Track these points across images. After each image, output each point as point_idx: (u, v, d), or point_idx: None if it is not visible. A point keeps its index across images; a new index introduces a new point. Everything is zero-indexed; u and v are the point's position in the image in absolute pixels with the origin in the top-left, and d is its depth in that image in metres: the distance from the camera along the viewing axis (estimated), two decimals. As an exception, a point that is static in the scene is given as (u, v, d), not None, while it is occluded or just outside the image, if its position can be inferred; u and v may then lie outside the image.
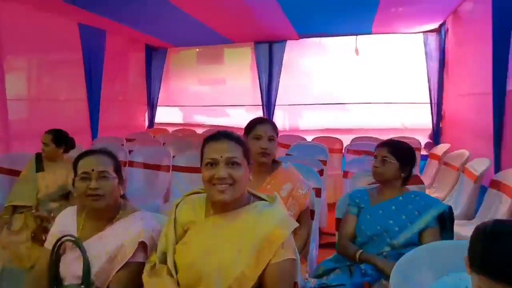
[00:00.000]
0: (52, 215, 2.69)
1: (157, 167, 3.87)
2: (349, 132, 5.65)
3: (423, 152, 5.06)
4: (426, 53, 5.47)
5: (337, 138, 5.39)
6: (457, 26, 4.91)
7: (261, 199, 1.34)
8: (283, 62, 6.02)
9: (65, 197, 2.88)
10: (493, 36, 3.41)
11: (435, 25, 5.34)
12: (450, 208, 1.72)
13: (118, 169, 1.50)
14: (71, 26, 4.92)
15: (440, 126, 5.46)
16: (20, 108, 4.35)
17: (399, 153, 1.84)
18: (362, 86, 5.87)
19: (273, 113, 6.10)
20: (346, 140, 5.28)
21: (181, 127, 6.68)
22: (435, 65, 5.39)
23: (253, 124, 2.00)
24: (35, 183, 2.84)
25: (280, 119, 6.31)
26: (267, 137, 1.91)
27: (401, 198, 1.82)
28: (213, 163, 1.26)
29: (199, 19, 4.81)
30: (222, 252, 1.22)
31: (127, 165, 3.93)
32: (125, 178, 1.54)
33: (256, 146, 1.90)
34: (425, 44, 5.47)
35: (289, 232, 1.22)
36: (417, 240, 1.71)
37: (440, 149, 4.65)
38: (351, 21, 5.16)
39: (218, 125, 6.43)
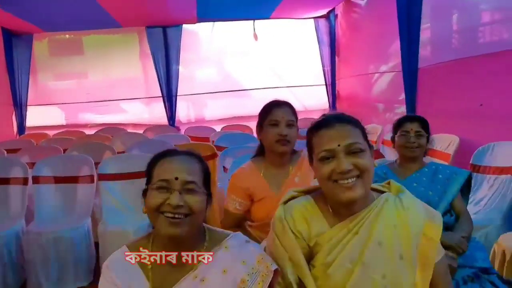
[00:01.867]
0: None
1: (74, 180, 3.15)
2: (256, 118, 5.65)
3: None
4: (318, 38, 5.82)
5: (247, 126, 5.35)
6: (348, 12, 5.34)
7: (377, 190, 1.15)
8: (181, 49, 5.59)
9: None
10: (399, 21, 3.78)
11: (324, 11, 5.70)
12: (470, 173, 1.83)
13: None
14: None
15: (336, 105, 5.93)
16: None
17: (426, 126, 1.86)
18: (263, 71, 5.92)
19: (175, 104, 5.65)
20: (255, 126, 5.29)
21: (64, 129, 5.62)
22: (327, 49, 5.79)
23: (268, 108, 1.76)
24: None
25: (184, 110, 5.91)
26: (286, 122, 1.70)
27: (426, 169, 1.85)
28: (330, 156, 1.03)
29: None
30: (381, 263, 1.01)
31: (29, 182, 3.09)
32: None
33: (274, 133, 1.68)
34: (316, 30, 5.81)
35: (441, 222, 1.07)
36: (451, 208, 1.77)
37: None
38: (252, 5, 5.10)
39: (112, 123, 5.65)
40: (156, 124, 5.69)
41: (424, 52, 3.82)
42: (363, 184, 1.02)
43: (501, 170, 2.63)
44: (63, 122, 5.91)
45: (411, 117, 1.91)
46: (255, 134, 4.97)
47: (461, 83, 3.39)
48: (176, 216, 0.96)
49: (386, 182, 1.17)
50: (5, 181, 3.08)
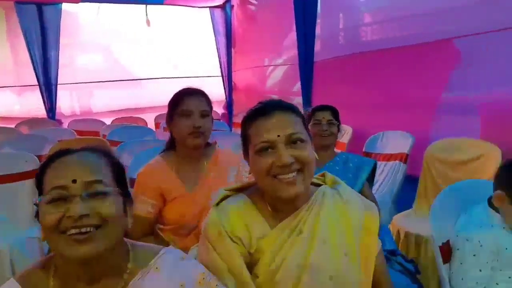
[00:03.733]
0: None
1: None
2: (152, 110, 5.33)
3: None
4: (213, 28, 5.69)
5: (141, 118, 5.00)
6: (244, 3, 5.33)
7: (313, 183, 1.07)
8: (61, 31, 4.90)
9: None
10: (296, 15, 3.88)
11: (219, 1, 5.59)
12: (375, 162, 1.93)
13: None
14: None
15: (232, 97, 5.91)
16: None
17: (337, 115, 1.90)
18: (157, 60, 5.57)
19: (56, 94, 4.94)
20: (149, 118, 5.00)
21: None
22: (223, 39, 5.70)
23: (180, 97, 1.58)
24: None
25: (66, 101, 5.22)
26: (199, 112, 1.54)
27: (338, 158, 1.89)
28: (269, 148, 0.93)
29: None
30: (327, 263, 0.93)
31: None
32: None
33: (186, 124, 1.52)
34: (212, 19, 5.68)
35: (377, 213, 1.04)
36: None
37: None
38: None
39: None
40: (32, 117, 4.92)
41: (318, 46, 4.00)
42: (304, 179, 0.94)
43: (390, 157, 2.88)
44: None
45: (323, 106, 1.94)
46: (151, 127, 4.72)
47: (352, 77, 3.64)
48: (83, 230, 0.73)
49: (320, 174, 1.12)
50: None
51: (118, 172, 0.84)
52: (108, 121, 4.81)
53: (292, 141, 0.93)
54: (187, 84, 5.47)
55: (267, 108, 0.97)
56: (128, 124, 4.27)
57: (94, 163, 0.80)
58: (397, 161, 2.79)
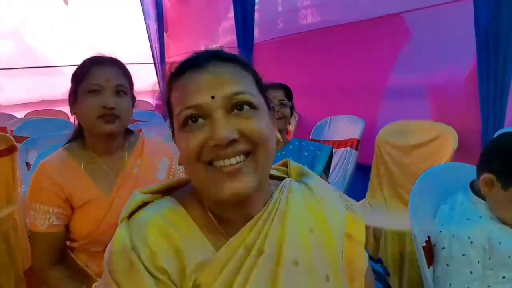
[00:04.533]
0: None
1: None
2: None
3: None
4: (143, 11, 5.17)
5: (60, 111, 4.39)
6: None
7: (272, 176, 0.76)
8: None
9: None
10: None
11: (147, -19, 5.08)
12: (332, 149, 1.69)
13: None
14: None
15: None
16: None
17: (290, 95, 1.62)
18: (78, 45, 4.91)
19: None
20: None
21: None
22: (154, 23, 5.20)
23: (85, 68, 1.17)
24: None
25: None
26: (113, 88, 1.15)
27: (291, 146, 1.61)
28: (199, 117, 0.60)
29: None
30: None
31: None
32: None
33: (94, 105, 1.13)
34: (141, 1, 5.14)
35: (360, 212, 0.74)
36: None
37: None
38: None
39: None
40: None
41: (256, 29, 3.73)
42: (257, 167, 0.60)
43: (339, 144, 2.69)
44: None
45: (273, 84, 1.63)
46: (72, 119, 4.16)
47: (293, 60, 3.41)
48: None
49: (281, 162, 0.81)
50: None
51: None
52: (21, 115, 4.14)
53: (235, 106, 0.60)
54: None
55: (199, 59, 0.63)
56: (41, 118, 3.68)
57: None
58: (347, 148, 2.61)
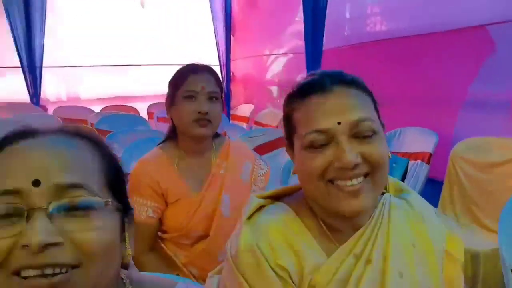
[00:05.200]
0: None
1: None
2: (143, 99, 5.01)
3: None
4: (212, 14, 5.36)
5: (132, 107, 4.69)
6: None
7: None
8: (47, 11, 4.51)
9: None
10: (304, 2, 3.59)
11: (218, -15, 5.26)
12: (408, 162, 1.66)
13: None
14: None
15: (230, 88, 5.60)
16: None
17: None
18: (151, 46, 5.22)
19: (41, 77, 4.56)
20: (142, 109, 4.69)
21: None
22: (221, 26, 5.38)
23: (182, 75, 1.28)
24: None
25: (52, 86, 4.84)
26: (207, 94, 1.25)
27: None
28: (324, 141, 0.65)
29: None
30: None
31: None
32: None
33: (189, 109, 1.23)
34: (211, 5, 5.34)
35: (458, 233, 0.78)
36: None
37: (244, 110, 4.78)
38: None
39: None
40: (13, 101, 4.55)
41: (326, 35, 3.72)
42: (374, 188, 0.66)
43: (409, 156, 2.62)
44: None
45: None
46: (144, 116, 4.40)
47: (364, 68, 3.36)
48: (47, 272, 0.45)
49: None
50: None
51: (112, 173, 0.54)
52: (97, 109, 4.48)
53: (359, 133, 0.65)
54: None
55: (322, 81, 0.68)
56: (119, 113, 3.95)
57: (72, 154, 0.50)
58: (418, 161, 2.53)
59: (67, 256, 0.45)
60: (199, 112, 1.23)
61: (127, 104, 4.74)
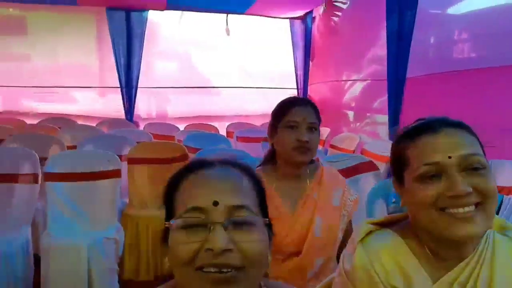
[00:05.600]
0: None
1: (12, 178, 2.55)
2: (223, 119, 5.30)
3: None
4: (292, 40, 5.56)
5: (212, 125, 4.96)
6: (328, 15, 5.13)
7: None
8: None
9: None
10: (388, 28, 3.60)
11: (300, 13, 5.45)
12: (502, 197, 1.60)
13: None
14: None
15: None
16: None
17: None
18: (232, 69, 5.54)
19: (135, 97, 5.07)
20: (221, 127, 4.94)
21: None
22: (301, 52, 5.55)
23: (286, 106, 1.42)
24: None
25: (144, 104, 5.35)
26: (307, 124, 1.37)
27: None
28: (436, 173, 0.73)
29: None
30: None
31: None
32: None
33: (291, 138, 1.35)
34: (291, 31, 5.55)
35: None
36: None
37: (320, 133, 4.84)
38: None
39: (60, 113, 4.95)
40: (111, 117, 5.08)
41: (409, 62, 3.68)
42: (485, 216, 0.71)
43: (500, 190, 2.48)
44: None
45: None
46: (223, 133, 4.63)
47: (450, 97, 3.27)
48: (224, 270, 0.58)
49: None
50: None
51: (262, 195, 0.69)
52: (181, 126, 4.82)
53: (469, 166, 0.72)
54: (261, 94, 5.36)
55: (431, 123, 0.78)
56: (203, 131, 4.23)
57: (238, 183, 0.65)
58: (511, 196, 2.38)
59: (236, 259, 0.59)
60: (300, 141, 1.35)
61: (207, 123, 5.02)
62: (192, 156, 3.20)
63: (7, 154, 2.68)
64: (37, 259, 2.36)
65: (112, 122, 4.75)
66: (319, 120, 1.45)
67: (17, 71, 5.23)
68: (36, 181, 2.55)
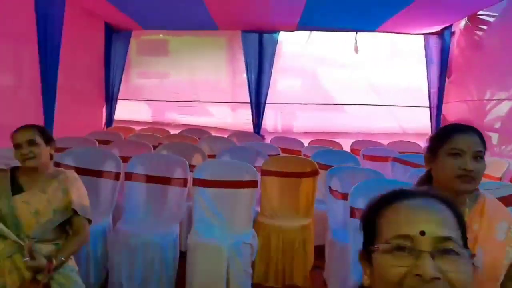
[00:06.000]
0: (54, 263, 1.70)
1: (166, 181, 2.93)
2: (347, 136, 5.23)
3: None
4: (426, 56, 5.25)
5: (336, 142, 4.93)
6: (471, 29, 4.73)
7: None
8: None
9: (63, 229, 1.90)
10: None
11: (437, 28, 5.13)
12: None
13: None
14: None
15: (439, 131, 5.28)
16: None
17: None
18: (359, 86, 5.47)
19: (263, 112, 5.37)
20: (344, 144, 4.86)
21: (149, 126, 5.59)
22: (435, 68, 5.20)
23: (449, 132, 1.34)
24: (12, 213, 1.79)
25: (271, 119, 5.63)
26: (473, 153, 1.28)
27: None
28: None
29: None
30: None
31: (121, 177, 2.93)
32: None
33: (454, 166, 1.27)
34: (426, 47, 5.25)
35: None
36: None
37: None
38: (359, 17, 4.68)
39: (196, 124, 5.52)
40: (240, 130, 5.46)
41: None
42: None
43: None
44: (149, 119, 5.90)
45: None
46: (347, 149, 4.56)
47: None
48: None
49: None
50: (98, 173, 2.94)
51: (463, 229, 0.69)
52: (305, 141, 4.91)
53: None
54: (390, 112, 5.15)
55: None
56: (328, 148, 4.24)
57: (443, 215, 0.67)
58: None
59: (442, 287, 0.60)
60: (464, 169, 1.27)
61: (331, 139, 5.02)
62: (322, 172, 3.24)
63: (162, 159, 3.08)
64: (181, 254, 2.65)
65: (241, 134, 5.10)
66: (485, 148, 1.35)
67: (160, 86, 6.03)
68: (185, 185, 2.87)
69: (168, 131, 5.25)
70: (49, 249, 1.81)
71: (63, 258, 1.75)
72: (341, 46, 5.45)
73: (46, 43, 3.85)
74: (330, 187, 2.77)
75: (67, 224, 1.91)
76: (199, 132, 5.03)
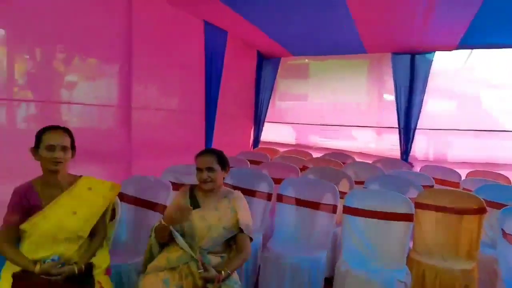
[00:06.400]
0: (222, 275, 1.87)
1: (315, 206, 2.96)
2: (516, 168, 4.51)
3: None
4: None
5: (501, 174, 4.26)
6: None
7: None
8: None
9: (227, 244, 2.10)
10: None
11: None
12: None
13: None
14: (196, 24, 4.22)
15: None
16: (141, 117, 3.64)
17: None
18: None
19: (413, 138, 5.03)
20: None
21: (292, 148, 5.79)
22: None
23: None
24: (190, 225, 2.04)
25: (421, 146, 5.23)
26: None
27: None
28: None
29: (356, 18, 3.89)
30: None
31: (272, 198, 3.09)
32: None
33: None
34: None
35: None
36: None
37: None
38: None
39: (340, 149, 5.49)
40: (384, 155, 5.20)
41: None
42: None
43: None
44: (292, 141, 6.11)
45: None
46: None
47: None
48: None
49: None
50: (252, 193, 3.15)
51: None
52: (460, 171, 4.39)
53: None
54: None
55: None
56: (492, 181, 3.70)
57: None
58: None
59: None
60: None
61: (496, 171, 4.37)
62: (490, 210, 2.84)
63: (312, 184, 3.13)
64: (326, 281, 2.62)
65: (388, 161, 4.83)
66: None
67: (302, 109, 6.18)
68: (335, 211, 2.86)
69: (310, 154, 5.33)
70: (217, 261, 2.00)
71: (229, 272, 1.92)
72: (507, 65, 4.77)
73: (211, 73, 4.37)
74: (503, 230, 2.40)
75: (232, 240, 2.09)
76: (342, 156, 4.97)
